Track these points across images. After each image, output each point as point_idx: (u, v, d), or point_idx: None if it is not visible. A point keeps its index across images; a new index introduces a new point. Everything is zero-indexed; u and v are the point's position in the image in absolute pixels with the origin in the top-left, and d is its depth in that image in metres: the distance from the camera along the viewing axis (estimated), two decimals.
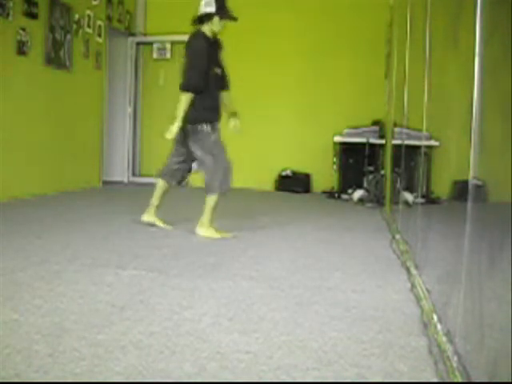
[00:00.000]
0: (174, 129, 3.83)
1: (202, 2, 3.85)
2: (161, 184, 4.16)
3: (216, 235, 3.87)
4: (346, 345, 1.89)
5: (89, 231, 3.97)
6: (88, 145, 6.85)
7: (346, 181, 6.69)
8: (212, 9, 3.81)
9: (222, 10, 3.83)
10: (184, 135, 3.93)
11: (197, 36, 3.88)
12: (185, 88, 3.80)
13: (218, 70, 3.95)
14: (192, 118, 3.84)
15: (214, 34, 3.93)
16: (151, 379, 1.58)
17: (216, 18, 3.83)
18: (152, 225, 4.13)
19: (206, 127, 3.86)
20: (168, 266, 2.94)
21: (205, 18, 3.85)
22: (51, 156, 6.06)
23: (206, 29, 3.87)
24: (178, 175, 4.16)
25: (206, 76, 3.80)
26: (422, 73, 3.37)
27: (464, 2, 3.18)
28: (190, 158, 4.06)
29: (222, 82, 4.02)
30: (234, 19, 3.85)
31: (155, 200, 4.15)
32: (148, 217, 4.17)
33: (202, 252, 3.37)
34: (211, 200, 3.88)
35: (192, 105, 3.82)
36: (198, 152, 3.92)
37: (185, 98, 3.78)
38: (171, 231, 4.05)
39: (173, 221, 4.30)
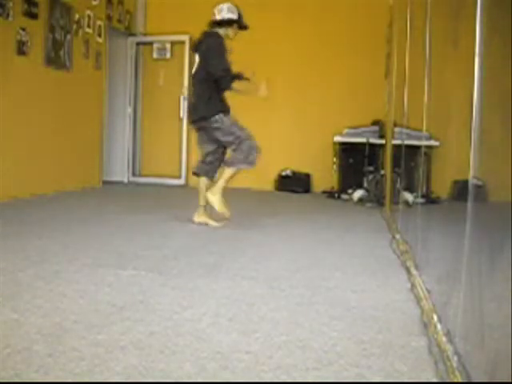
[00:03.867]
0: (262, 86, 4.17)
1: (224, 8, 4.13)
2: (203, 181, 4.32)
3: (221, 207, 4.10)
4: (345, 345, 1.89)
5: (89, 231, 3.97)
6: (88, 145, 6.85)
7: (346, 181, 6.69)
8: (234, 16, 4.14)
9: (241, 19, 4.18)
10: (204, 133, 4.21)
11: (215, 35, 4.14)
12: (223, 74, 4.02)
13: None
14: (206, 113, 4.10)
15: (225, 38, 4.18)
16: (151, 379, 1.58)
17: (235, 26, 4.16)
18: (206, 224, 4.27)
19: (218, 117, 4.08)
20: (168, 266, 2.94)
21: (225, 23, 4.13)
22: (51, 156, 6.06)
23: (221, 32, 4.14)
24: (213, 169, 4.32)
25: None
26: (422, 73, 3.37)
27: (464, 2, 3.18)
28: (217, 152, 4.27)
29: None
30: (247, 28, 4.22)
31: (201, 200, 4.28)
32: (198, 217, 4.31)
33: (202, 252, 3.37)
34: (228, 172, 4.11)
35: (204, 100, 4.10)
36: (221, 138, 4.13)
37: (232, 82, 4.07)
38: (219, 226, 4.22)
39: (173, 220, 4.30)
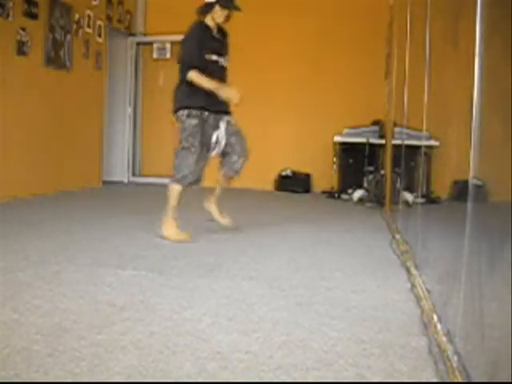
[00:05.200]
0: (232, 91, 3.60)
1: None
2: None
3: (175, 236, 3.67)
4: (345, 345, 1.89)
5: (89, 231, 3.97)
6: (88, 145, 6.85)
7: (346, 181, 6.69)
8: None
9: (223, 0, 3.68)
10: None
11: (192, 25, 3.77)
12: (184, 63, 3.65)
13: (217, 58, 3.76)
14: (175, 104, 3.74)
15: (218, 25, 3.81)
16: (151, 379, 1.58)
17: (217, 8, 3.68)
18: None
19: (181, 113, 3.67)
20: (168, 266, 2.94)
21: (207, 8, 3.72)
22: (51, 156, 6.06)
23: (208, 18, 3.76)
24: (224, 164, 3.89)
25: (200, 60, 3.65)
26: (422, 73, 3.37)
27: (464, 2, 3.18)
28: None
29: (221, 72, 3.82)
30: (237, 9, 3.71)
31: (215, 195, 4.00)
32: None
33: (202, 252, 3.37)
34: (169, 189, 3.76)
35: (178, 90, 3.75)
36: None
37: (195, 74, 3.59)
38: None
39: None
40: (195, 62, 3.63)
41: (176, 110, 3.73)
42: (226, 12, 3.72)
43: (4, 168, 5.22)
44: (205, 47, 3.70)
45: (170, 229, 3.71)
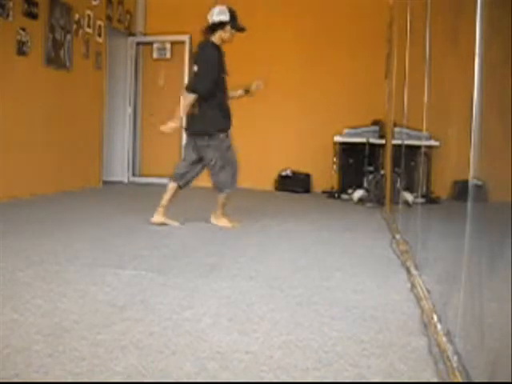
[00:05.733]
0: (172, 125, 4.08)
1: (215, 11, 4.03)
2: (171, 186, 4.26)
3: (232, 225, 4.24)
4: (345, 345, 1.89)
5: (89, 231, 3.97)
6: (88, 145, 6.85)
7: (346, 181, 6.69)
8: (226, 18, 4.02)
9: (235, 20, 4.06)
10: (195, 142, 4.13)
11: (208, 45, 4.07)
12: (194, 89, 3.98)
13: (225, 77, 4.15)
14: (210, 127, 4.05)
15: (222, 43, 4.11)
16: (151, 379, 1.58)
17: (228, 27, 4.04)
18: (162, 224, 4.20)
19: (222, 135, 4.07)
20: (168, 266, 2.94)
21: (218, 27, 4.03)
22: (51, 156, 6.06)
23: (216, 37, 4.06)
24: (186, 178, 4.25)
25: (217, 84, 4.01)
26: (422, 73, 3.37)
27: (464, 2, 3.18)
28: (198, 163, 4.20)
29: (226, 86, 4.19)
30: (243, 30, 4.10)
31: (165, 201, 4.24)
32: (157, 218, 4.23)
33: (202, 252, 3.37)
34: (222, 197, 4.21)
35: (207, 113, 4.04)
36: (211, 155, 4.09)
37: (190, 99, 3.98)
38: (178, 228, 4.17)
39: (172, 220, 4.29)
40: (203, 91, 3.96)
41: (215, 132, 4.06)
42: (233, 32, 4.08)
43: (4, 168, 5.22)
44: (221, 68, 4.07)
45: (222, 220, 4.28)
